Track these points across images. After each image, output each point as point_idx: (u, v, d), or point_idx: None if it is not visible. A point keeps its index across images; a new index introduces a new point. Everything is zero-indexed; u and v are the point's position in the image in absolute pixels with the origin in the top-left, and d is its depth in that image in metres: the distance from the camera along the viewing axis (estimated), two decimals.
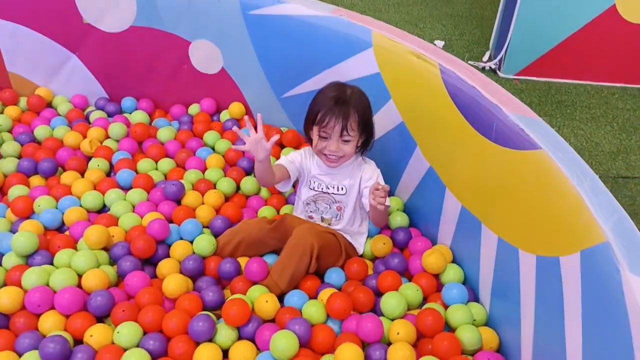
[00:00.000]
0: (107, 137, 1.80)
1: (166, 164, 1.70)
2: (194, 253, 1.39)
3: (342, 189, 1.41)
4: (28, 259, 1.32)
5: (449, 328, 1.21)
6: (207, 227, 1.50)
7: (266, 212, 1.57)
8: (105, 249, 1.38)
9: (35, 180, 1.62)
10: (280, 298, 1.28)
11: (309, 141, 1.40)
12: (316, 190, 1.43)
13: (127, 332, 1.14)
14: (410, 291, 1.27)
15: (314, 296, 1.30)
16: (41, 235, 1.38)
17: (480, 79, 1.26)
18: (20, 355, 1.10)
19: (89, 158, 1.72)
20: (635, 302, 0.75)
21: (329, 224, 1.45)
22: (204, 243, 1.39)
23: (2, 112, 1.85)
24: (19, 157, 1.70)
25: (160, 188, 1.58)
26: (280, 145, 1.82)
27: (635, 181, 2.02)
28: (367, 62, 1.49)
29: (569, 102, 2.48)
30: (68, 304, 1.17)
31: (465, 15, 3.24)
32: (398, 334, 1.15)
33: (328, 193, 1.42)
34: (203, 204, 1.57)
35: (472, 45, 2.90)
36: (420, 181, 1.49)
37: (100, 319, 1.21)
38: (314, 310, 1.21)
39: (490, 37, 2.84)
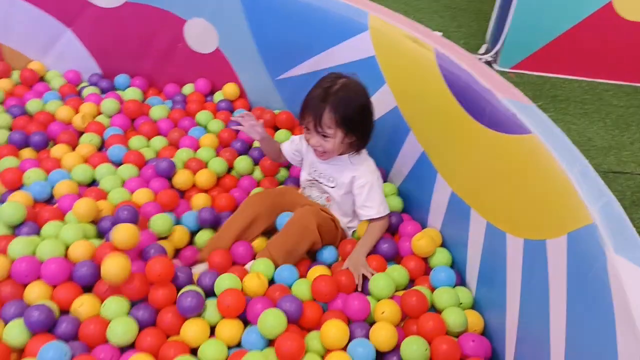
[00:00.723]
0: (100, 113, 1.79)
1: (158, 141, 1.70)
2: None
3: (332, 181, 1.39)
4: (15, 230, 1.32)
5: (435, 310, 1.22)
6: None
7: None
8: (94, 222, 1.38)
9: (26, 153, 1.61)
10: None
11: (301, 124, 1.39)
12: (310, 177, 1.43)
13: (114, 306, 1.13)
14: (397, 273, 1.28)
15: (304, 274, 1.30)
16: (29, 206, 1.37)
17: (474, 65, 1.26)
18: (5, 323, 1.10)
19: (80, 133, 1.70)
20: (619, 283, 0.76)
21: None
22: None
23: None
24: (10, 129, 1.69)
25: (151, 165, 1.57)
26: (274, 127, 1.82)
27: (626, 176, 2.03)
28: (363, 45, 1.49)
29: (563, 97, 2.49)
30: (54, 274, 1.16)
31: (463, 7, 3.24)
32: (383, 313, 1.15)
33: (319, 182, 1.42)
34: (194, 184, 1.57)
35: (469, 38, 2.90)
36: (413, 166, 1.49)
37: (87, 290, 1.20)
38: (304, 288, 1.22)
39: (487, 30, 2.84)
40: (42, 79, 1.93)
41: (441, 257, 1.33)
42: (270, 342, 1.11)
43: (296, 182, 1.56)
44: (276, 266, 1.28)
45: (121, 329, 1.07)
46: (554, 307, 0.93)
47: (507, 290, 1.10)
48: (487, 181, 1.19)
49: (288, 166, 1.66)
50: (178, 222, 1.45)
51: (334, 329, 1.09)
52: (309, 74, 1.67)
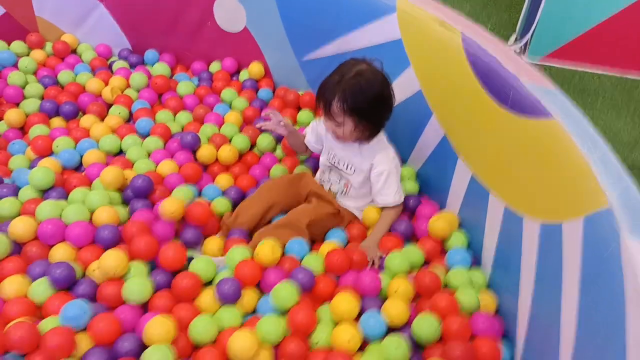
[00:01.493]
0: (128, 87, 1.83)
1: (184, 116, 1.73)
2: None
3: (350, 167, 1.40)
4: (44, 194, 1.36)
5: (449, 289, 1.23)
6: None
7: (278, 170, 1.59)
8: (119, 190, 1.41)
9: (56, 122, 1.66)
10: None
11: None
12: (330, 162, 1.45)
13: (133, 270, 1.17)
14: (413, 253, 1.29)
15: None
16: (58, 173, 1.42)
17: (500, 49, 1.25)
18: (31, 281, 1.15)
19: (109, 105, 1.75)
20: (632, 265, 0.76)
21: (335, 197, 1.46)
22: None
23: (28, 55, 1.88)
24: (42, 98, 1.74)
25: (176, 139, 1.61)
26: (298, 108, 1.84)
27: None
28: (389, 27, 1.48)
29: (591, 91, 2.45)
30: (79, 237, 1.21)
31: None
32: (396, 291, 1.17)
33: (338, 168, 1.43)
34: (217, 159, 1.60)
35: (499, 28, 2.87)
36: (433, 150, 1.49)
37: None
38: (313, 263, 1.24)
39: (518, 21, 2.80)
40: (74, 51, 1.97)
41: (457, 240, 1.34)
42: (284, 313, 1.14)
43: (316, 162, 1.58)
44: None
45: (137, 288, 1.11)
46: (566, 289, 0.93)
47: (521, 272, 1.11)
48: (507, 165, 1.19)
49: None
50: (199, 194, 1.49)
51: (344, 301, 1.11)
52: (335, 56, 1.67)
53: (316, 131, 1.49)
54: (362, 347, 1.10)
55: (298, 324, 1.08)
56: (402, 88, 1.51)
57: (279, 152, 1.68)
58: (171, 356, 0.99)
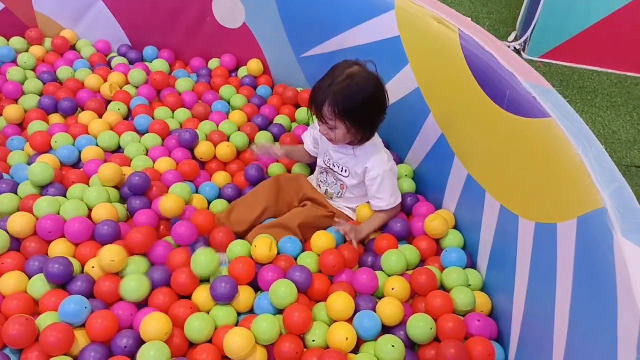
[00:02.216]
0: (127, 83, 1.83)
1: (182, 113, 1.73)
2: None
3: (345, 170, 1.39)
4: (42, 190, 1.37)
5: (445, 290, 1.24)
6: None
7: (276, 168, 1.59)
8: (117, 187, 1.42)
9: (55, 118, 1.67)
10: None
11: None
12: (325, 165, 1.44)
13: (131, 266, 1.18)
14: (409, 252, 1.29)
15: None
16: (57, 169, 1.42)
17: (498, 48, 1.25)
18: (29, 277, 1.15)
19: (107, 102, 1.75)
20: (624, 264, 0.76)
21: (332, 198, 1.46)
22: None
23: (27, 51, 1.88)
24: (41, 94, 1.74)
25: (174, 136, 1.61)
26: (296, 105, 1.84)
27: None
28: (388, 24, 1.49)
29: (590, 89, 2.45)
30: (77, 233, 1.21)
31: None
32: (393, 289, 1.17)
33: (333, 170, 1.42)
34: (215, 156, 1.60)
35: (499, 25, 2.86)
36: (431, 149, 1.50)
37: None
38: (308, 262, 1.24)
39: (518, 18, 2.80)
40: (73, 47, 1.97)
41: (453, 239, 1.35)
42: (280, 311, 1.14)
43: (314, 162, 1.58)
44: None
45: (134, 286, 1.11)
46: (560, 289, 0.94)
47: (516, 273, 1.11)
48: (503, 165, 1.20)
49: None
50: (197, 192, 1.49)
51: (340, 301, 1.11)
52: (334, 53, 1.68)
53: (312, 135, 1.48)
54: (358, 347, 1.11)
55: (294, 323, 1.08)
56: (400, 86, 1.52)
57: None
58: (168, 352, 0.99)
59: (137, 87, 1.81)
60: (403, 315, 1.13)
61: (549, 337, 0.94)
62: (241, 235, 1.35)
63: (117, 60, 1.90)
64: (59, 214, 1.27)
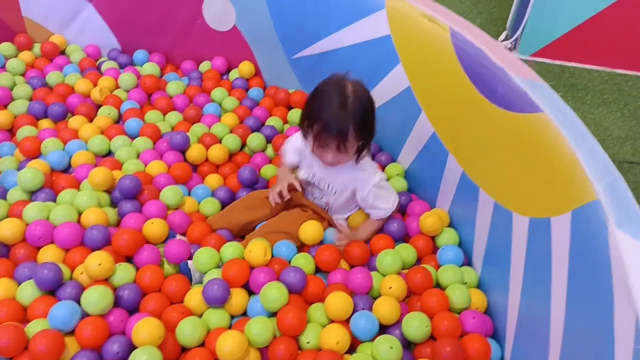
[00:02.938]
0: (117, 87, 1.82)
1: (174, 116, 1.72)
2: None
3: (332, 189, 1.35)
4: (32, 196, 1.35)
5: (440, 288, 1.23)
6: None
7: (269, 170, 1.58)
8: (108, 192, 1.40)
9: (45, 123, 1.65)
10: None
11: (305, 136, 1.26)
12: (310, 181, 1.39)
13: (121, 272, 1.17)
14: (405, 251, 1.28)
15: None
16: (47, 174, 1.41)
17: (489, 43, 1.25)
18: (18, 284, 1.14)
19: (98, 106, 1.73)
20: (619, 256, 0.76)
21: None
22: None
23: (16, 56, 1.87)
24: (30, 100, 1.72)
25: (166, 139, 1.60)
26: (288, 106, 1.83)
27: None
28: (379, 23, 1.48)
29: (581, 86, 2.46)
30: (67, 238, 1.19)
31: None
32: (390, 288, 1.16)
33: (319, 187, 1.38)
34: (207, 159, 1.59)
35: (489, 24, 2.87)
36: (423, 147, 1.49)
37: None
38: (302, 263, 1.23)
39: (508, 18, 2.81)
40: (62, 52, 1.96)
41: (448, 237, 1.34)
42: (274, 313, 1.13)
43: None
44: None
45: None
46: (555, 283, 0.93)
47: (511, 269, 1.11)
48: (496, 160, 1.19)
49: None
50: (189, 194, 1.48)
51: (337, 300, 1.10)
52: (325, 53, 1.68)
53: (295, 146, 1.41)
54: (354, 347, 1.10)
55: (287, 325, 1.07)
56: (392, 84, 1.51)
57: (269, 151, 1.67)
58: (159, 357, 0.98)
59: (127, 91, 1.80)
60: (399, 314, 1.12)
61: (545, 332, 0.94)
62: (235, 235, 1.34)
63: (107, 65, 1.89)
64: (48, 220, 1.25)
